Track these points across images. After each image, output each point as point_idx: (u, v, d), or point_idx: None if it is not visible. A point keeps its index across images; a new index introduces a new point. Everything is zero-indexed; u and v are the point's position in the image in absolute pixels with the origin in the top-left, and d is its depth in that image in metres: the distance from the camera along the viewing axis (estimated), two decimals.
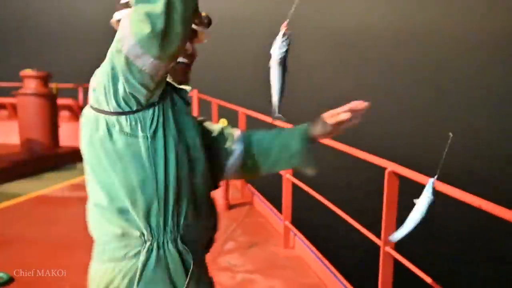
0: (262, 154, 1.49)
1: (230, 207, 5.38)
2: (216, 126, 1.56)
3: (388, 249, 2.49)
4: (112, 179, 1.24)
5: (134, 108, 1.19)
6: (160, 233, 1.28)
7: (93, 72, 1.29)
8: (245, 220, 5.01)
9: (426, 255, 5.55)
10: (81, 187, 6.25)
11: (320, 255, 3.67)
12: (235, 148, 1.48)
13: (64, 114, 9.63)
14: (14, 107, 10.45)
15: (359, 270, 3.26)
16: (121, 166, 1.22)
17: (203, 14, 1.35)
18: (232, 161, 1.49)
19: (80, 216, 5.78)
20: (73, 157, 8.02)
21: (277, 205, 4.84)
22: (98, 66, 1.26)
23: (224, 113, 7.05)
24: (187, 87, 1.37)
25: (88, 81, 1.30)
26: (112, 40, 1.17)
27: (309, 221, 5.48)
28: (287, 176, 4.16)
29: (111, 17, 1.34)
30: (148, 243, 1.28)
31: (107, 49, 1.20)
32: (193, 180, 1.32)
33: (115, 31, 1.22)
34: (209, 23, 1.39)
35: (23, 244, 4.24)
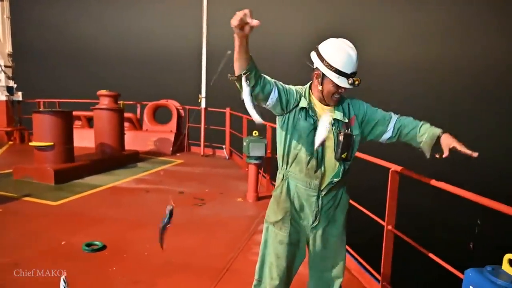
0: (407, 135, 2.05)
1: (258, 198, 5.65)
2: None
3: (390, 228, 2.73)
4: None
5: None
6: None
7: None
8: None
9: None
10: (143, 180, 6.67)
11: None
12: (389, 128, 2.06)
13: (127, 124, 10.06)
14: (86, 118, 10.95)
15: (368, 247, 3.46)
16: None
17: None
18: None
19: (144, 202, 6.21)
20: (135, 158, 8.42)
21: None
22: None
23: (253, 126, 7.30)
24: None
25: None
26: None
27: None
28: None
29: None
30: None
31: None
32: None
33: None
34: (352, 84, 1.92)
35: (107, 221, 4.53)
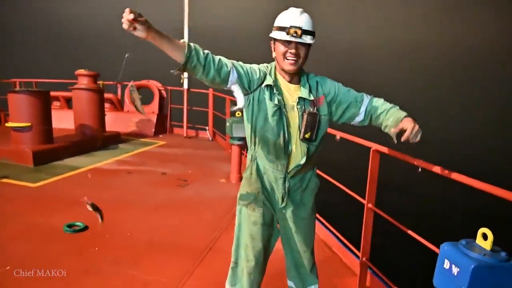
0: (377, 118, 1.98)
1: (242, 179, 5.66)
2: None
3: (370, 205, 2.78)
4: None
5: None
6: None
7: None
8: None
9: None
10: (125, 162, 6.58)
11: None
12: (362, 111, 1.99)
13: (107, 105, 9.83)
14: (65, 99, 10.64)
15: (348, 225, 3.54)
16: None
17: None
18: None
19: (126, 183, 6.15)
20: (116, 139, 8.27)
21: None
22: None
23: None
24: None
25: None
26: None
27: None
28: None
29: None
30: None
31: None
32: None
33: None
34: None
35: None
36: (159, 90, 10.13)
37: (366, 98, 2.00)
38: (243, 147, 5.90)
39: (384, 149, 2.59)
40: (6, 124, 6.48)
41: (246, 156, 6.23)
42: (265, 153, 1.96)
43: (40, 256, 3.14)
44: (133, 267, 3.02)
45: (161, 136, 9.51)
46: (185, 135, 9.63)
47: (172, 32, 1.66)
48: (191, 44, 1.68)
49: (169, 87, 10.16)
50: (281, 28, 1.83)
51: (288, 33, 1.79)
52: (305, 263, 2.15)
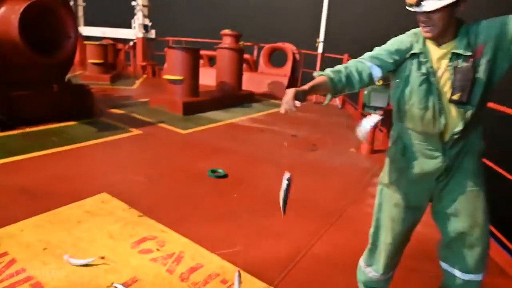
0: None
1: (373, 151, 5.42)
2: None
3: None
4: None
5: None
6: None
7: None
8: None
9: None
10: (257, 120, 6.92)
11: None
12: None
13: (243, 66, 10.38)
14: (208, 58, 11.58)
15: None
16: None
17: None
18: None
19: (259, 140, 6.47)
20: (250, 98, 8.74)
21: None
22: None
23: None
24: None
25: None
26: None
27: None
28: None
29: None
30: None
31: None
32: None
33: None
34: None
35: (227, 153, 4.90)
36: (293, 53, 10.19)
37: None
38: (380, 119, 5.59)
39: None
40: (164, 77, 7.41)
41: (379, 129, 5.95)
42: (413, 129, 1.77)
43: (187, 194, 3.59)
44: (268, 218, 3.22)
45: None
46: (314, 100, 9.60)
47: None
48: (329, 73, 1.69)
49: (303, 51, 10.13)
50: None
51: (406, 4, 1.62)
52: (471, 241, 1.79)
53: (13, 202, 3.14)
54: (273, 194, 3.71)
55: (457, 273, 1.87)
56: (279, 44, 10.58)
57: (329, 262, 2.66)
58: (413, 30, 1.78)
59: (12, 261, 2.35)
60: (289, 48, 10.29)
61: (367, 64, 1.71)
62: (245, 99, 8.52)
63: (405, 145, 1.83)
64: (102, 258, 2.45)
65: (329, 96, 1.67)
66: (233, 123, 6.60)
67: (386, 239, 1.96)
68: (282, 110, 1.53)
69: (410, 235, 1.99)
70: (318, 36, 9.23)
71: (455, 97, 1.61)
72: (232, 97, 8.14)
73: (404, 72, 1.73)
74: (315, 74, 1.80)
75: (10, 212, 2.94)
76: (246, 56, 10.39)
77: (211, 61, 11.38)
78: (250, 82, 9.82)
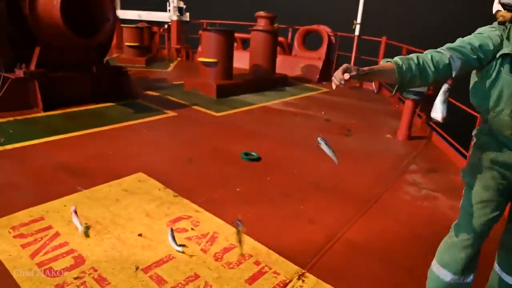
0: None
1: (410, 138, 5.21)
2: None
3: None
4: None
5: None
6: None
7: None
8: (424, 150, 4.83)
9: None
10: (291, 104, 6.83)
11: None
12: None
13: (277, 49, 10.22)
14: (241, 40, 11.48)
15: None
16: None
17: None
18: None
19: (292, 124, 6.40)
20: (284, 82, 8.63)
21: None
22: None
23: None
24: None
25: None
26: None
27: None
28: None
29: None
30: None
31: None
32: None
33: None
34: None
35: (260, 137, 4.87)
36: (329, 36, 9.91)
37: None
38: (418, 103, 5.36)
39: None
40: (199, 59, 7.43)
41: (418, 114, 5.70)
42: (502, 134, 1.61)
43: (220, 176, 3.62)
44: (301, 202, 3.19)
45: (324, 83, 9.46)
46: (349, 84, 9.32)
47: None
48: (397, 60, 1.49)
49: (339, 33, 9.82)
50: None
51: None
52: None
53: (56, 179, 3.29)
54: (306, 177, 3.70)
55: (506, 277, 1.80)
56: (314, 26, 10.31)
57: (362, 249, 2.60)
58: (497, 26, 1.57)
59: (56, 235, 2.47)
60: (324, 30, 10.00)
61: (445, 54, 1.51)
62: (279, 83, 8.42)
63: (492, 139, 1.69)
64: (140, 235, 2.53)
65: (396, 87, 1.51)
66: (266, 107, 6.55)
67: (471, 228, 1.74)
68: (333, 85, 1.45)
69: (489, 231, 1.77)
70: (355, 18, 8.89)
71: None
72: (265, 80, 8.06)
73: (491, 73, 1.54)
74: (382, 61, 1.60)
75: (54, 188, 3.08)
76: (280, 38, 10.20)
77: (245, 44, 11.29)
78: (284, 65, 9.67)
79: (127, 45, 10.43)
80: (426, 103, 5.55)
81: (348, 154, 4.50)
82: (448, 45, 1.56)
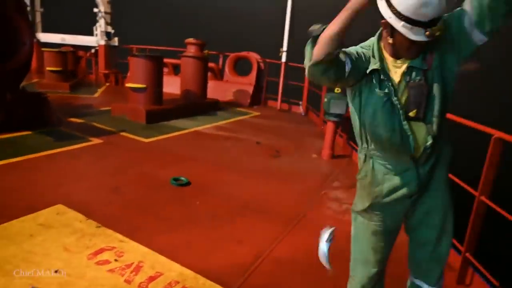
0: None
1: (333, 157, 5.57)
2: None
3: (483, 198, 2.52)
4: None
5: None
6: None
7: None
8: (346, 167, 5.18)
9: None
10: (222, 128, 6.93)
11: None
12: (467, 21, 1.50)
13: (209, 74, 10.36)
14: (172, 66, 11.46)
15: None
16: None
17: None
18: None
19: (224, 148, 6.47)
20: (215, 106, 8.74)
21: None
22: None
23: None
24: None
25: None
26: None
27: None
28: None
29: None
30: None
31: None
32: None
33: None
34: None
35: (191, 161, 4.86)
36: (258, 62, 10.32)
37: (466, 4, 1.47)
38: (338, 124, 5.77)
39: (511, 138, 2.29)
40: (127, 85, 7.26)
41: (339, 135, 6.14)
42: (381, 151, 1.65)
43: (147, 203, 3.53)
44: (229, 224, 3.23)
45: (255, 107, 9.77)
46: (278, 108, 9.74)
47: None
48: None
49: (267, 60, 10.28)
50: (414, 22, 1.40)
51: (426, 34, 1.41)
52: (440, 250, 1.75)
53: None
54: (236, 199, 3.76)
55: (425, 286, 1.83)
56: (244, 53, 10.68)
57: (288, 264, 2.70)
58: (365, 43, 1.64)
59: None
60: (254, 57, 10.41)
61: (343, 54, 1.54)
62: (210, 107, 8.51)
63: (374, 167, 1.69)
64: (56, 272, 2.36)
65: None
66: (197, 131, 6.57)
67: (369, 271, 1.81)
68: None
69: (388, 257, 1.86)
70: (281, 46, 9.41)
71: (411, 114, 1.54)
72: (197, 105, 8.10)
73: (364, 90, 1.59)
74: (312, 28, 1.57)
75: None
76: (211, 64, 10.40)
77: (176, 69, 11.28)
78: (216, 90, 9.81)
79: (49, 70, 9.84)
80: (345, 124, 6.01)
81: (277, 174, 4.67)
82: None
